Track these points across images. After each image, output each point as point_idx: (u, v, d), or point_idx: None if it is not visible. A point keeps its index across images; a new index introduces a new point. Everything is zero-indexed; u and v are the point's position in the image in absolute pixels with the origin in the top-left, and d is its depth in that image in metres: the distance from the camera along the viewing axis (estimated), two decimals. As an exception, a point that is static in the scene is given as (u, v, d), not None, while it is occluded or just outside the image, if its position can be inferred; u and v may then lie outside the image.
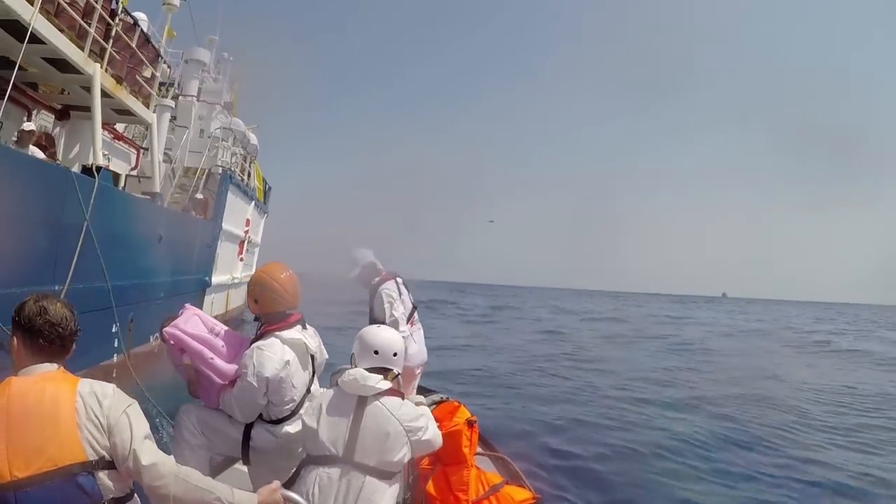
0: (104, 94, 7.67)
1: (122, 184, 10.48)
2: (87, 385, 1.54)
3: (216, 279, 13.55)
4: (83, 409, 1.48)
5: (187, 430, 2.64)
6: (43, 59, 6.91)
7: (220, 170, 13.95)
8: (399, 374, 2.49)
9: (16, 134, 6.75)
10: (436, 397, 4.53)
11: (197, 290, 12.37)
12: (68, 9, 6.62)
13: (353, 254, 4.37)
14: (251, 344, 2.62)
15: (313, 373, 2.79)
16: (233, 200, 14.61)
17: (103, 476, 1.47)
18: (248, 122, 17.57)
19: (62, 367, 1.58)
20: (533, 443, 6.76)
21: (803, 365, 16.25)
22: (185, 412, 2.70)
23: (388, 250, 4.60)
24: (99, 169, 6.78)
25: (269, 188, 21.31)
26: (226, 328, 2.89)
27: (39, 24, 6.02)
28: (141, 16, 9.88)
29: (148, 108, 9.40)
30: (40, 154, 6.55)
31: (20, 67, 5.95)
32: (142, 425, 1.56)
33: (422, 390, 4.51)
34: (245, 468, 2.79)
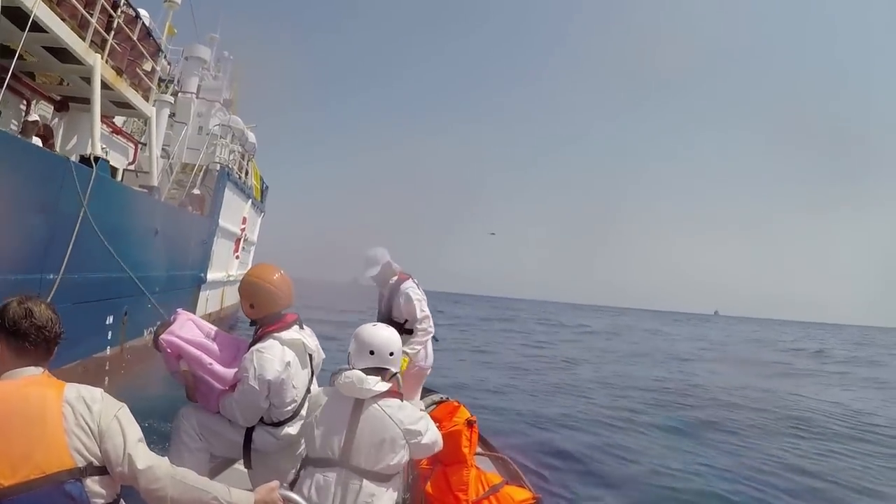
0: (104, 85, 7.62)
1: (119, 178, 10.40)
2: (73, 390, 1.49)
3: (211, 276, 13.46)
4: (71, 414, 1.43)
5: (186, 433, 2.60)
6: (44, 47, 6.85)
7: (217, 167, 13.92)
8: (397, 373, 2.43)
9: (19, 124, 6.68)
10: (436, 397, 4.51)
11: (192, 286, 12.29)
12: (70, -2, 6.58)
13: (371, 252, 4.18)
14: (249, 347, 2.58)
15: (312, 372, 2.76)
16: (230, 198, 14.56)
17: (91, 482, 1.43)
18: (246, 121, 17.55)
19: (46, 371, 1.54)
20: (533, 443, 6.75)
21: (805, 385, 16.08)
22: (184, 416, 2.65)
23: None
24: (97, 159, 6.73)
25: (267, 187, 21.33)
26: (219, 331, 2.84)
27: (41, 11, 5.98)
28: (142, 12, 9.84)
29: (147, 101, 9.36)
30: (39, 144, 6.49)
31: (19, 56, 5.90)
32: (134, 429, 1.53)
33: (423, 391, 4.48)
34: (245, 468, 2.74)
